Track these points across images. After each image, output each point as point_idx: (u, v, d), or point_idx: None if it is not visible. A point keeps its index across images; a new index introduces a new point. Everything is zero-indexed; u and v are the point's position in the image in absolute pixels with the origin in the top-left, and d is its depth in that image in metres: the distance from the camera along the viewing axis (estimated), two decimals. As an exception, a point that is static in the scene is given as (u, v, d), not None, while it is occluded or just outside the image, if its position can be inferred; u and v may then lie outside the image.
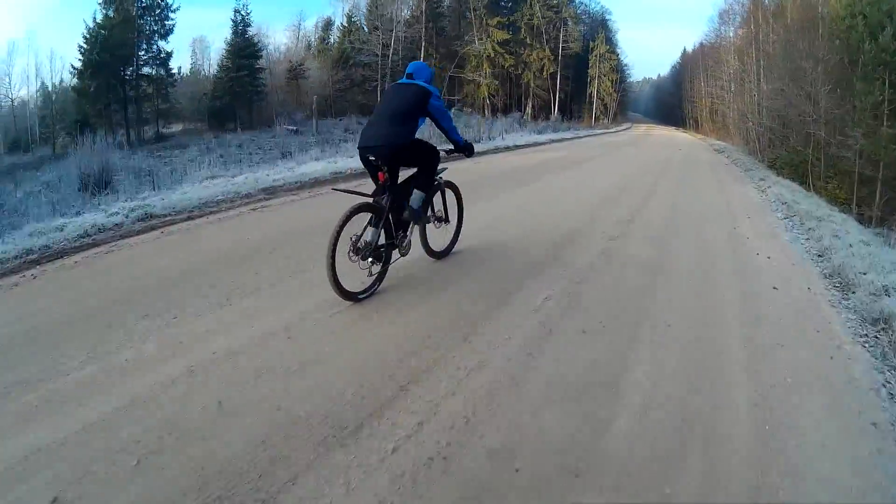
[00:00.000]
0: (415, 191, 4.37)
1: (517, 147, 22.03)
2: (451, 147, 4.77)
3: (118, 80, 31.18)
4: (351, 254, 3.88)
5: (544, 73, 48.84)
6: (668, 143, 29.81)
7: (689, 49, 55.37)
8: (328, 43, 52.08)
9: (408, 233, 4.41)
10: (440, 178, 4.77)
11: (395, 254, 4.41)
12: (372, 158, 4.15)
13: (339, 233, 3.74)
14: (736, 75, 37.67)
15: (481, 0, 48.75)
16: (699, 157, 21.81)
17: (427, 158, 4.44)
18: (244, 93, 39.75)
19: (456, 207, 5.23)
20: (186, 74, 40.43)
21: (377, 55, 46.93)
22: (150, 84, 32.79)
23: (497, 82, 48.39)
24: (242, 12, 41.25)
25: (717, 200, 10.42)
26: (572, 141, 27.90)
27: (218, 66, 40.32)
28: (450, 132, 4.53)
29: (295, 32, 50.92)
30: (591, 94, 51.16)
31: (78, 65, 30.37)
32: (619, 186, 11.47)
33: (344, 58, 51.92)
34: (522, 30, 49.42)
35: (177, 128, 35.48)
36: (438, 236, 5.13)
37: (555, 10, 50.06)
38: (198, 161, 17.50)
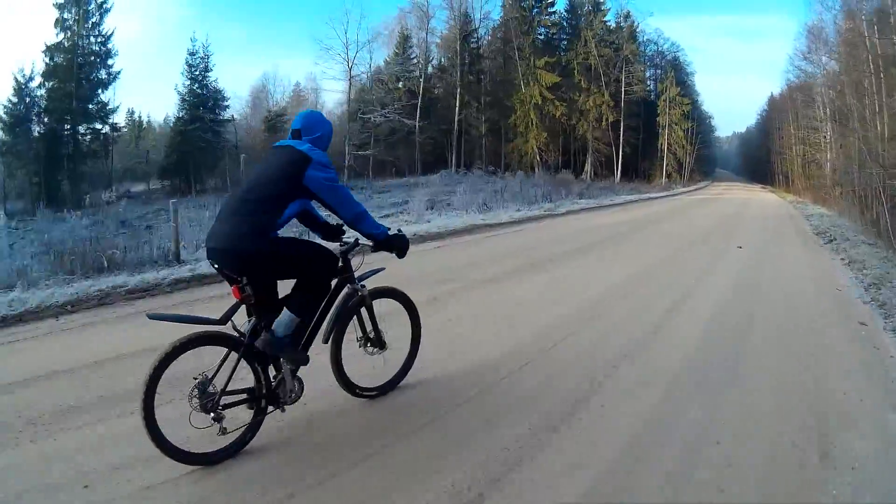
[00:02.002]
0: (284, 311, 2.89)
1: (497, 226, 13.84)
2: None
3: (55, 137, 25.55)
4: (194, 402, 2.67)
5: (603, 122, 40.59)
6: (733, 218, 18.19)
7: (777, 94, 46.18)
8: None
9: (287, 372, 2.95)
10: (361, 286, 3.24)
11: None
12: (216, 267, 2.86)
13: (156, 376, 2.59)
14: (836, 112, 28.67)
15: (526, 38, 41.28)
16: (783, 273, 8.95)
17: (305, 266, 2.92)
18: (199, 149, 33.73)
19: (410, 325, 3.65)
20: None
21: (386, 115, 39.94)
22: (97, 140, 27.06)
23: (545, 136, 40.40)
24: (201, 54, 35.52)
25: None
26: (593, 211, 19.63)
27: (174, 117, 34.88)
28: (355, 219, 2.93)
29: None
30: (661, 148, 42.44)
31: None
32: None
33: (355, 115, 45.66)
34: (576, 71, 41.54)
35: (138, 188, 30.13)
36: (370, 365, 3.46)
37: (613, 46, 42.12)
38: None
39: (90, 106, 27.68)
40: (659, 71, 47.06)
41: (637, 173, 43.43)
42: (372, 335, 3.39)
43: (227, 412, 2.76)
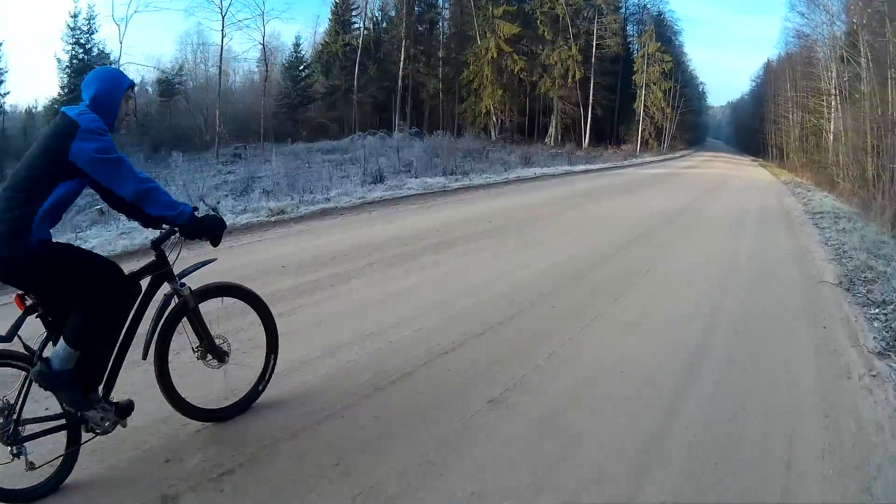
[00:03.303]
0: (60, 342, 2.30)
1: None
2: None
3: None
4: None
5: (570, 80, 34.68)
6: (677, 222, 9.69)
7: (775, 58, 40.14)
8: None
9: (93, 397, 2.36)
10: (181, 284, 2.57)
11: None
12: None
13: None
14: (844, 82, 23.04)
15: (483, -20, 35.41)
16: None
17: (77, 283, 2.28)
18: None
19: (262, 328, 2.91)
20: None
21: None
22: None
23: (501, 93, 34.51)
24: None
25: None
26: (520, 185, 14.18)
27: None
28: (138, 198, 2.26)
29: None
30: (638, 111, 36.56)
31: None
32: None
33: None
34: (539, 21, 35.57)
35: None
36: (214, 380, 2.78)
37: (584, -6, 36.17)
38: None
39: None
40: (642, 27, 41.16)
41: (613, 138, 37.67)
42: (209, 346, 2.69)
43: (47, 440, 2.31)
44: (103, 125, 2.20)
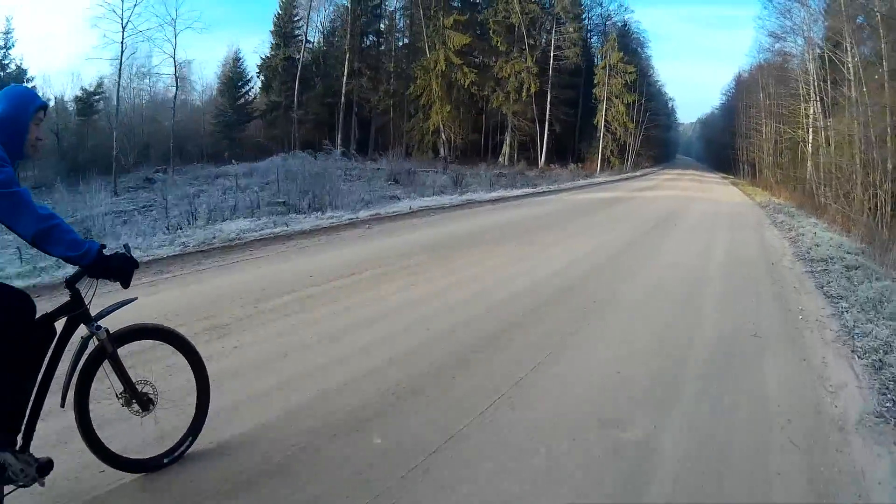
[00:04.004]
0: None
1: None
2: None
3: None
4: None
5: (524, 94, 32.02)
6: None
7: (747, 69, 37.84)
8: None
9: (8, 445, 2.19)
10: (97, 328, 2.37)
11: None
12: None
13: None
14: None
15: (431, -10, 32.90)
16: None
17: None
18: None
19: (191, 372, 2.67)
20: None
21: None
22: None
23: (449, 109, 31.78)
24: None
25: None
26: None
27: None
28: (39, 238, 2.09)
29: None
30: (599, 126, 33.97)
31: None
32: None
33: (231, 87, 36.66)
34: (492, 31, 32.99)
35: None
36: (142, 428, 2.58)
37: (542, 2, 33.70)
38: None
39: None
40: (606, 38, 38.80)
41: (574, 156, 35.02)
42: (131, 393, 2.53)
43: None
44: (3, 153, 2.05)
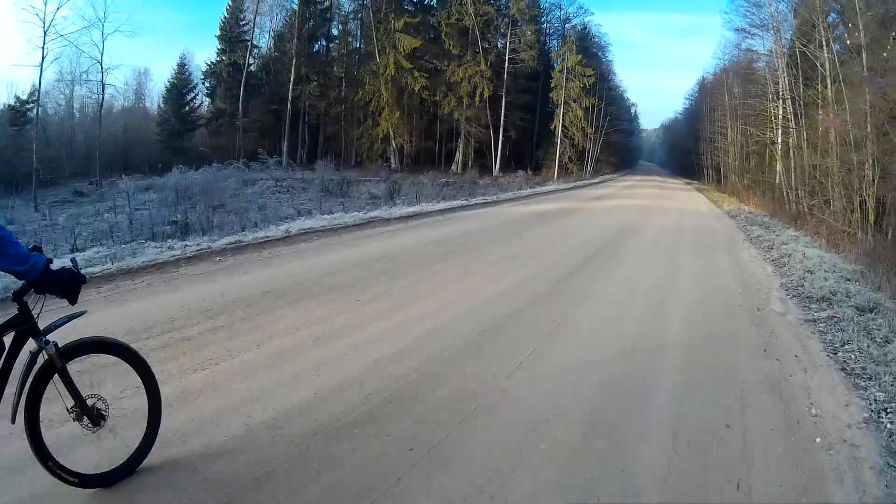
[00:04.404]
0: None
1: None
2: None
3: None
4: None
5: (477, 99, 30.69)
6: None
7: (712, 72, 36.91)
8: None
9: None
10: (45, 342, 2.33)
11: None
12: None
13: None
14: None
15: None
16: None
17: None
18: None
19: (143, 387, 2.63)
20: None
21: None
22: None
23: (398, 115, 30.38)
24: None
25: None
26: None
27: None
28: None
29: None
30: (556, 131, 32.74)
31: None
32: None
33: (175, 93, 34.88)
34: (444, 34, 31.69)
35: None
36: (95, 443, 2.51)
37: (497, 4, 32.49)
38: None
39: None
40: (554, 37, 37.73)
41: (532, 163, 33.73)
42: (79, 409, 2.48)
43: None
44: None
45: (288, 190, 19.02)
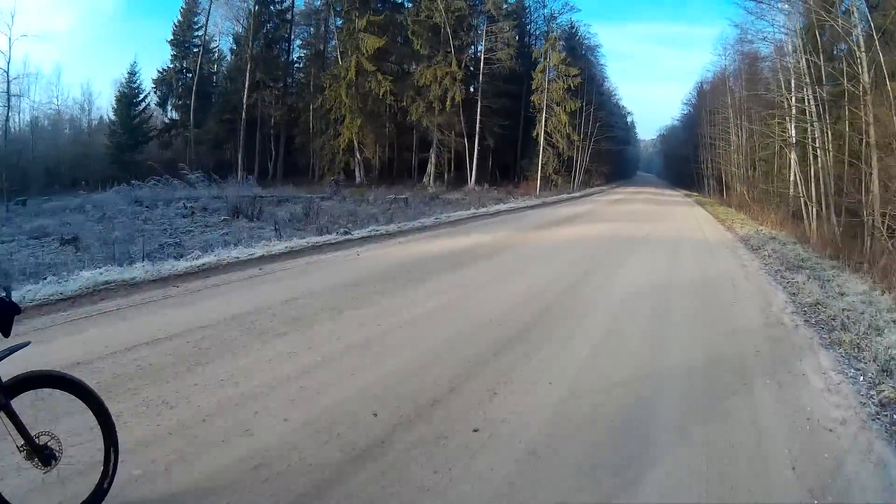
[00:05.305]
0: None
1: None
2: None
3: None
4: None
5: (448, 104, 27.43)
6: None
7: (712, 71, 33.52)
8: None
9: None
10: None
11: None
12: None
13: None
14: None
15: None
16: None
17: None
18: None
19: (98, 425, 2.47)
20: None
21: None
22: None
23: (362, 122, 27.16)
24: None
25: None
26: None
27: None
28: None
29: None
30: (539, 139, 29.38)
31: None
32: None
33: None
34: (412, 32, 28.55)
35: None
36: (50, 483, 2.38)
37: (469, 1, 29.32)
38: None
39: None
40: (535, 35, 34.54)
41: (516, 175, 30.43)
42: (30, 448, 2.33)
43: None
44: None
45: (192, 213, 15.72)
